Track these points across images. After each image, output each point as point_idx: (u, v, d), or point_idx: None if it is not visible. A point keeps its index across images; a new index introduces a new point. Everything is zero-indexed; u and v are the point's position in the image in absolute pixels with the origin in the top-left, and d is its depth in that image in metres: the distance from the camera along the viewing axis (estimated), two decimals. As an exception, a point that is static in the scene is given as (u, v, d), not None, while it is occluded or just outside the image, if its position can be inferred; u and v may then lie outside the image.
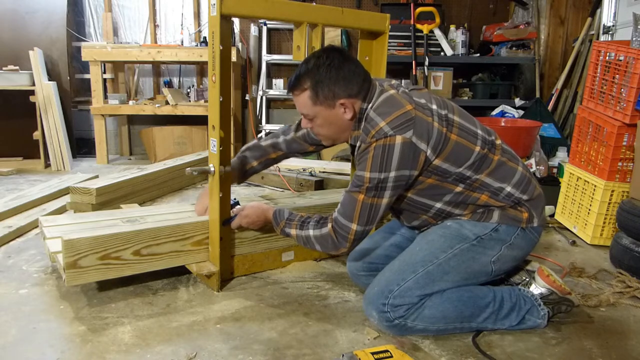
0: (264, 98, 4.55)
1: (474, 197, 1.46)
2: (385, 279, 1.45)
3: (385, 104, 1.41)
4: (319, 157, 4.40)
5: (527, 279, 1.57)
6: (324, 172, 3.44)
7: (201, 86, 4.57)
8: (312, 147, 1.85)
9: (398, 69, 4.49)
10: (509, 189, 1.46)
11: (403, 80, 4.53)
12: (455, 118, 1.45)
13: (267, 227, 1.72)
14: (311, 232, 1.48)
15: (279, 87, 4.66)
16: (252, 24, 4.47)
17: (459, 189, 1.45)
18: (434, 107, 1.43)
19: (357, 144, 1.46)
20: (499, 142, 1.51)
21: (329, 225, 1.45)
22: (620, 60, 2.23)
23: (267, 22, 4.42)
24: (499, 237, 1.47)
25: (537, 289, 1.50)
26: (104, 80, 4.37)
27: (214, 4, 1.48)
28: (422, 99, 1.45)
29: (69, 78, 4.20)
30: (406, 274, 1.43)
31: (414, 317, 1.39)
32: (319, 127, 1.52)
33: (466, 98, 4.29)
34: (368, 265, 1.67)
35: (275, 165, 3.58)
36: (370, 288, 1.47)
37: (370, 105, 1.44)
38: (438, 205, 1.49)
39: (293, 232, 1.53)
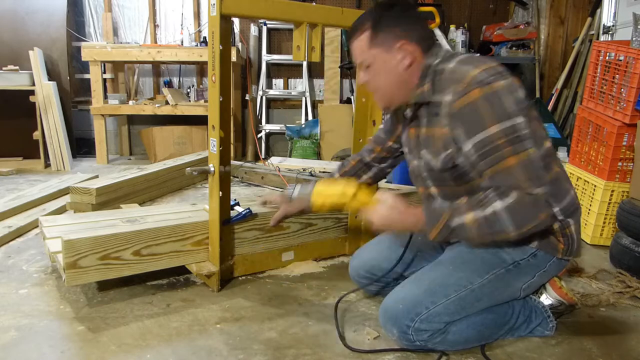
0: (264, 98, 4.56)
1: None
2: (413, 298, 1.30)
3: (470, 58, 1.24)
4: (319, 157, 4.40)
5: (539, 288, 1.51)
6: (324, 172, 3.44)
7: (201, 86, 4.57)
8: (392, 140, 1.60)
9: (398, 69, 4.49)
10: (556, 209, 1.28)
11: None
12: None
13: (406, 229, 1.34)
14: (498, 204, 1.15)
15: (279, 87, 4.67)
16: (252, 24, 4.47)
17: None
18: None
19: (438, 101, 1.24)
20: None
21: (515, 191, 1.15)
22: (620, 60, 2.24)
23: (267, 22, 4.42)
24: (536, 264, 1.36)
25: (547, 299, 1.46)
26: (104, 80, 4.37)
27: (214, 4, 1.48)
28: None
29: (69, 78, 4.20)
30: (437, 297, 1.29)
31: (436, 340, 1.32)
32: (374, 78, 1.34)
33: (466, 98, 4.28)
34: (371, 275, 1.58)
35: (275, 165, 3.61)
36: (393, 303, 1.33)
37: (439, 60, 1.27)
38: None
39: (469, 216, 1.18)
